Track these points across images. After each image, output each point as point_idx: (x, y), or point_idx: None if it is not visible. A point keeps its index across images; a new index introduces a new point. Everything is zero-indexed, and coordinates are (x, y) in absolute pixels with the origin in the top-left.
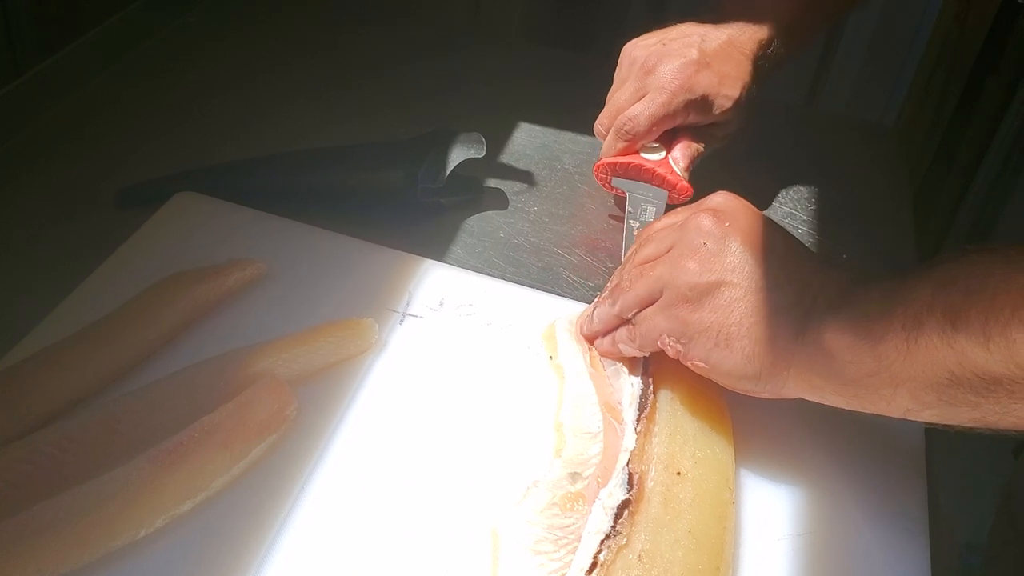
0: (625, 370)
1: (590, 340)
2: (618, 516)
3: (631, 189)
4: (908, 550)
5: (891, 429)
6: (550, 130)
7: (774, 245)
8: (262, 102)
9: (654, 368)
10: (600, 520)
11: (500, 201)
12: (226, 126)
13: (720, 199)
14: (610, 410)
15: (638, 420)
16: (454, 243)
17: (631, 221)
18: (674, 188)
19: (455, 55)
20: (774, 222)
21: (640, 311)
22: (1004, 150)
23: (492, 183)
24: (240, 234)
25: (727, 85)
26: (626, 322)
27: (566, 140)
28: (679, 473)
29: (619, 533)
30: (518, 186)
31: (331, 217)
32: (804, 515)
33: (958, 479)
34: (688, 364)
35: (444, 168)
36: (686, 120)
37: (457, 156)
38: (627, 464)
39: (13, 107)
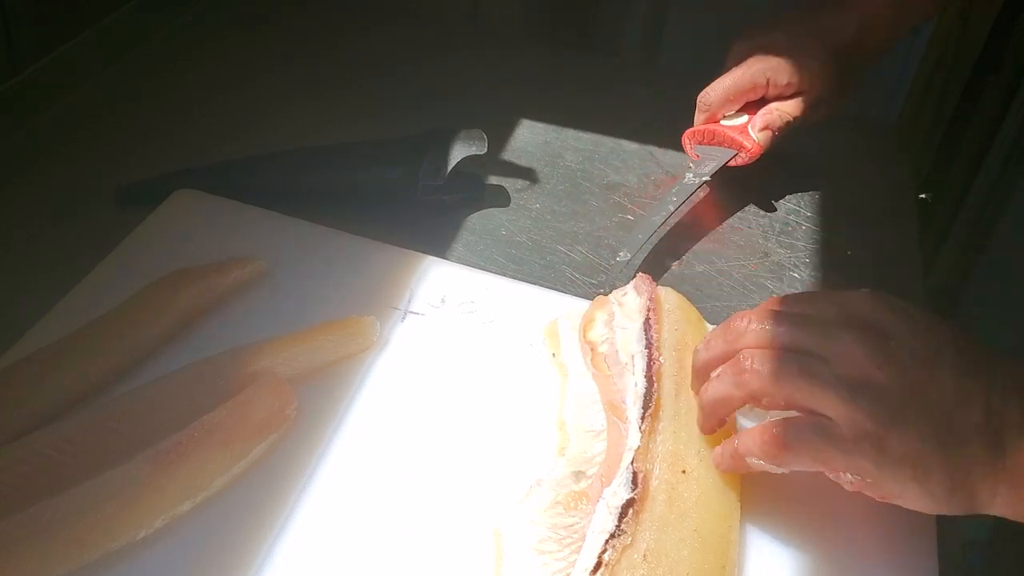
0: (628, 368)
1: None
2: (623, 515)
3: (704, 152)
4: (916, 547)
5: None
6: (552, 127)
7: (943, 349)
8: (262, 100)
9: (656, 366)
10: (604, 519)
11: (502, 198)
12: (226, 124)
13: (870, 306)
14: (613, 409)
15: (642, 418)
16: (456, 241)
17: (688, 175)
18: (741, 147)
19: (456, 52)
20: (926, 315)
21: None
22: (1006, 148)
23: (494, 180)
24: (240, 232)
25: (803, 54)
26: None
27: (568, 137)
28: (684, 471)
29: (624, 532)
30: (520, 183)
31: (332, 215)
32: (809, 511)
33: None
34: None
35: (445, 165)
36: (765, 91)
37: (458, 153)
38: (632, 463)
39: (12, 105)
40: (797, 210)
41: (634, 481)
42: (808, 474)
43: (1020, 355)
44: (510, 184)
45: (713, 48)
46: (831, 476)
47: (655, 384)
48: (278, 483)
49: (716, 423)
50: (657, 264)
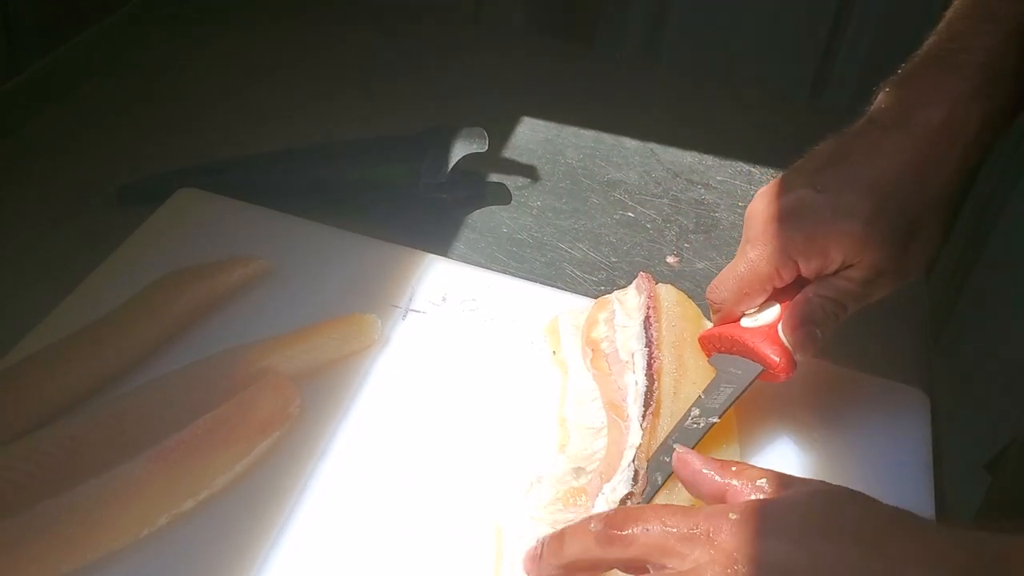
0: (629, 366)
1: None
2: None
3: (721, 365)
4: None
5: (897, 421)
6: (553, 124)
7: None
8: (263, 99)
9: (657, 364)
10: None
11: (503, 196)
12: (228, 123)
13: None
14: (613, 407)
15: (643, 416)
16: (457, 238)
17: (692, 411)
18: (766, 361)
19: (457, 49)
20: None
21: None
22: (1009, 145)
23: (495, 178)
24: (242, 230)
25: (841, 218)
26: None
27: (569, 134)
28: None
29: None
30: (521, 181)
31: (333, 213)
32: None
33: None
34: None
35: (446, 163)
36: (795, 273)
37: (459, 151)
38: (632, 460)
39: (14, 105)
40: None
41: (635, 478)
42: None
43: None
44: (511, 182)
45: (714, 46)
46: None
47: (656, 382)
48: (281, 481)
49: None
50: (657, 262)
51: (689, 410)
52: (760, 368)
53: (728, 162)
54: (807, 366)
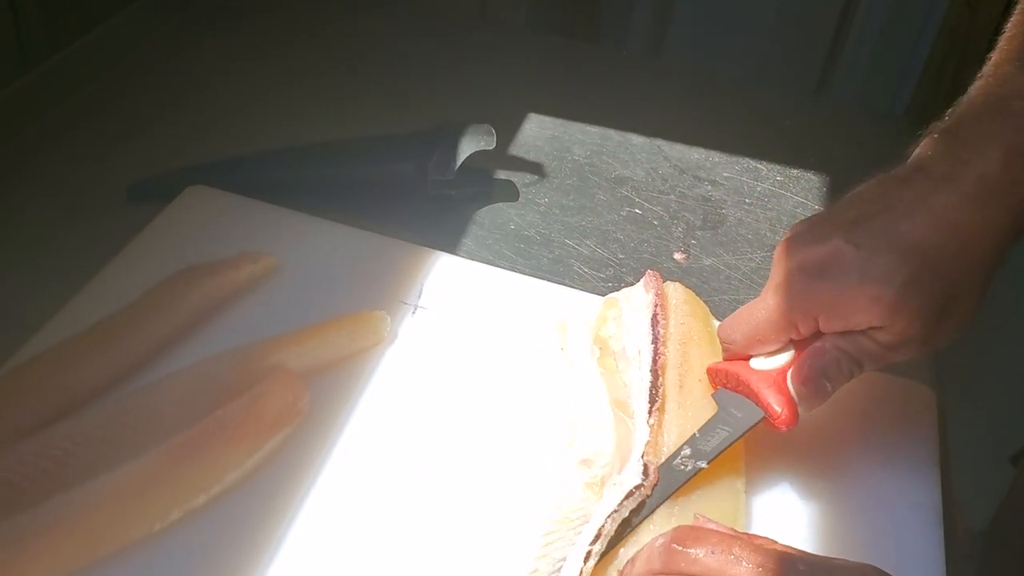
0: (634, 364)
1: None
2: (627, 497)
3: (723, 403)
4: (922, 538)
5: (904, 416)
6: (560, 121)
7: None
8: (272, 96)
9: (662, 360)
10: (610, 500)
11: (510, 193)
12: (236, 121)
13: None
14: (619, 405)
15: (650, 413)
16: (464, 235)
17: (684, 450)
18: (768, 409)
19: (464, 47)
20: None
21: None
22: None
23: (502, 175)
24: (251, 228)
25: (873, 281)
26: None
27: (576, 131)
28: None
29: (623, 508)
30: (528, 178)
31: (342, 210)
32: (816, 505)
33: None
34: None
35: (454, 160)
36: (814, 330)
37: (467, 148)
38: (642, 456)
39: (23, 103)
40: (804, 202)
41: (645, 472)
42: (814, 465)
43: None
44: (518, 179)
45: (720, 42)
46: None
47: (660, 378)
48: (291, 476)
49: None
50: (664, 258)
51: (680, 448)
52: (761, 415)
53: (735, 158)
54: None
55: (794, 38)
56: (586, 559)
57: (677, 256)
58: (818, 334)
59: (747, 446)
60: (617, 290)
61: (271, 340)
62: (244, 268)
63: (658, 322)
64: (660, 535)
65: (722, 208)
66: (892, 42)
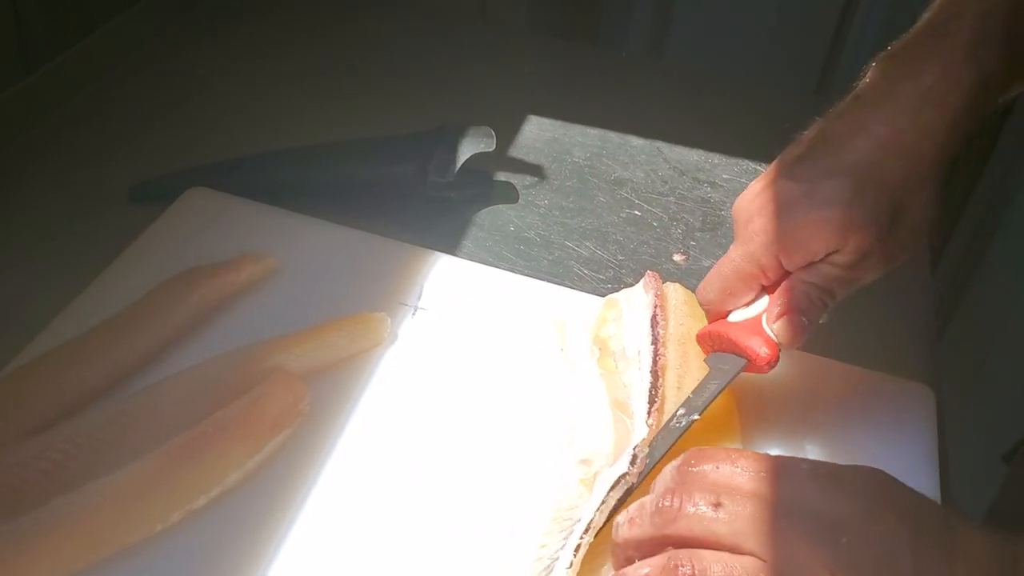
0: (634, 364)
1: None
2: (614, 486)
3: (714, 363)
4: None
5: (902, 417)
6: (559, 123)
7: (899, 533)
8: (272, 98)
9: (662, 361)
10: (599, 492)
11: (510, 195)
12: (237, 123)
13: (815, 489)
14: (619, 405)
15: (649, 413)
16: (464, 237)
17: (679, 410)
18: (750, 355)
19: (464, 49)
20: (874, 481)
21: None
22: (1014, 137)
23: (502, 177)
24: (252, 229)
25: (819, 206)
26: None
27: (575, 133)
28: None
29: (609, 499)
30: (528, 180)
31: (342, 212)
32: None
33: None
34: None
35: (454, 162)
36: (780, 270)
37: (467, 150)
38: (634, 447)
39: (25, 105)
40: None
41: (632, 461)
42: None
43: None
44: (518, 180)
45: (720, 43)
46: None
47: (660, 379)
48: (292, 477)
49: None
50: (664, 259)
51: (676, 411)
52: (743, 362)
53: (734, 160)
54: (811, 366)
55: (794, 39)
56: (576, 551)
57: (677, 257)
58: (784, 275)
59: (745, 445)
60: (617, 291)
61: (271, 341)
62: (244, 269)
63: (658, 323)
64: (672, 461)
65: (721, 210)
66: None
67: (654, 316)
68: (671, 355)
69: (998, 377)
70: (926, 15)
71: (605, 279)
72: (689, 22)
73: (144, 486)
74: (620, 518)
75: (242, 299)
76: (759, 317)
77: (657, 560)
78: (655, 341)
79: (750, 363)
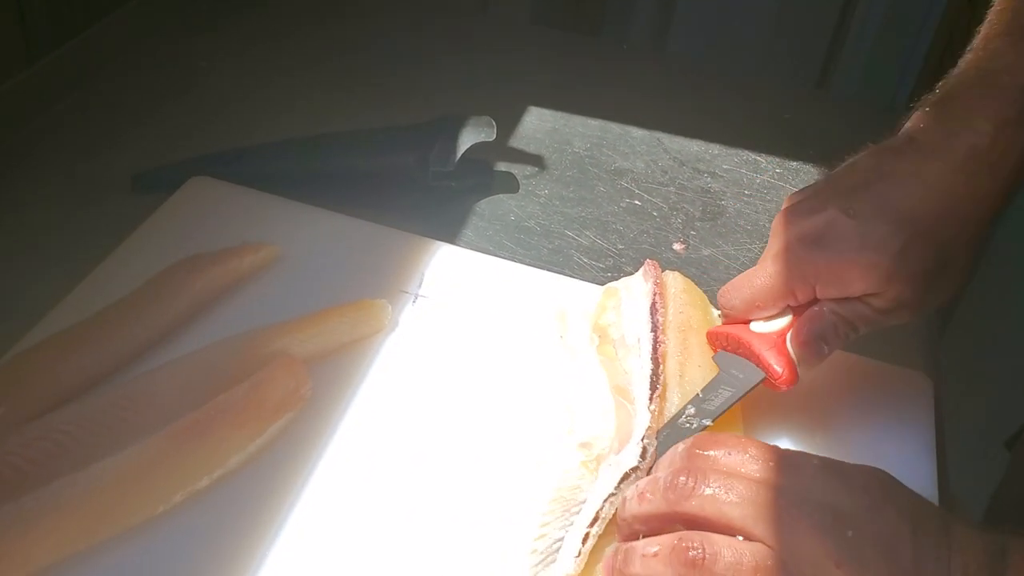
0: (634, 352)
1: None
2: (623, 479)
3: (724, 365)
4: None
5: (900, 404)
6: (560, 114)
7: (900, 529)
8: (273, 89)
9: (662, 348)
10: (607, 482)
11: (510, 185)
12: (239, 113)
13: (823, 483)
14: (619, 391)
15: (651, 399)
16: (465, 226)
17: (688, 409)
18: (768, 370)
19: (465, 40)
20: (877, 480)
21: None
22: None
23: (502, 167)
24: (254, 218)
25: (868, 250)
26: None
27: (576, 124)
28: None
29: (620, 492)
30: (528, 170)
31: (343, 201)
32: None
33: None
34: None
35: (455, 152)
36: (811, 296)
37: (467, 140)
38: (642, 439)
39: (29, 94)
40: None
41: (642, 454)
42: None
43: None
44: (519, 170)
45: (721, 36)
46: None
47: (660, 365)
48: (293, 460)
49: None
50: (664, 249)
51: (684, 407)
52: (762, 376)
53: (734, 151)
54: None
55: (795, 33)
56: (584, 540)
57: (676, 247)
58: (814, 299)
59: (746, 429)
60: (616, 280)
61: (274, 327)
62: (247, 257)
63: (657, 310)
64: (682, 442)
65: (721, 200)
66: (893, 36)
67: (653, 304)
68: (671, 343)
69: (1001, 364)
70: (971, 55)
71: (605, 268)
72: (690, 15)
73: (147, 467)
74: (628, 492)
75: (244, 286)
76: (782, 334)
77: (667, 539)
78: (655, 328)
79: (767, 378)
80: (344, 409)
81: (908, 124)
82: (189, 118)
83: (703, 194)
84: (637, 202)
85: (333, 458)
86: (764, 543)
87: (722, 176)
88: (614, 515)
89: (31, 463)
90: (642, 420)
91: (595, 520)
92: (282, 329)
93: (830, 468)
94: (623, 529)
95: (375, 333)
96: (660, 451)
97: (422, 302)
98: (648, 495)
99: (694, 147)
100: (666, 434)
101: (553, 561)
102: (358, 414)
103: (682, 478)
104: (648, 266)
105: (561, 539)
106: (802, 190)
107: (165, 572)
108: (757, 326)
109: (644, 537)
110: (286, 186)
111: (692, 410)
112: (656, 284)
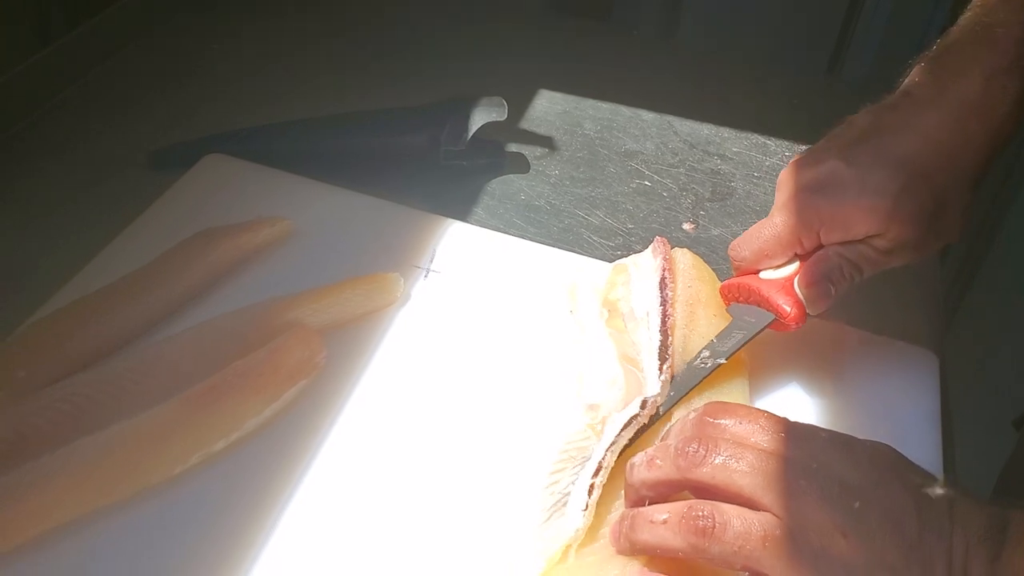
0: (643, 324)
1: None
2: (625, 426)
3: (737, 314)
4: None
5: (906, 379)
6: (571, 96)
7: (906, 503)
8: (288, 69)
9: (671, 321)
10: (611, 434)
11: (521, 165)
12: (254, 92)
13: (832, 453)
14: (628, 361)
15: (660, 370)
16: (476, 205)
17: (703, 352)
18: (779, 312)
19: (477, 23)
20: (884, 455)
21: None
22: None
23: (514, 148)
24: (268, 194)
25: (868, 194)
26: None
27: (587, 106)
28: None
29: (622, 438)
30: (539, 151)
31: (356, 179)
32: None
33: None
34: None
35: (466, 131)
36: (816, 243)
37: (479, 119)
38: (644, 396)
39: (47, 75)
40: None
41: (643, 404)
42: None
43: None
44: (529, 151)
45: (732, 23)
46: None
47: (669, 337)
48: (307, 425)
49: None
50: (673, 228)
51: (700, 351)
52: (772, 317)
53: (744, 134)
54: (819, 327)
55: (805, 18)
56: (590, 491)
57: (686, 226)
58: (819, 246)
59: (752, 399)
60: (626, 257)
61: (290, 297)
62: (262, 231)
63: (666, 285)
64: (692, 410)
65: (731, 181)
66: (903, 22)
67: (663, 279)
68: (678, 316)
69: (1009, 344)
70: (968, 14)
71: (614, 246)
72: (702, 2)
73: (165, 429)
74: (637, 459)
75: (259, 260)
76: (791, 279)
77: (677, 507)
78: (664, 302)
79: (777, 320)
80: (357, 377)
81: (905, 80)
82: (204, 97)
83: (713, 176)
84: (647, 183)
85: (346, 424)
86: (772, 512)
87: (732, 158)
88: (620, 471)
89: (51, 424)
90: (652, 388)
91: (598, 470)
92: (298, 300)
93: (838, 441)
94: (630, 495)
95: (388, 306)
96: (676, 391)
97: (434, 277)
98: (658, 461)
99: (704, 130)
100: (682, 374)
101: (562, 515)
102: (371, 382)
103: (693, 445)
104: (658, 242)
105: (568, 493)
106: (805, 150)
107: (181, 530)
108: (767, 274)
109: (651, 504)
110: (300, 165)
111: (707, 353)
112: (665, 260)
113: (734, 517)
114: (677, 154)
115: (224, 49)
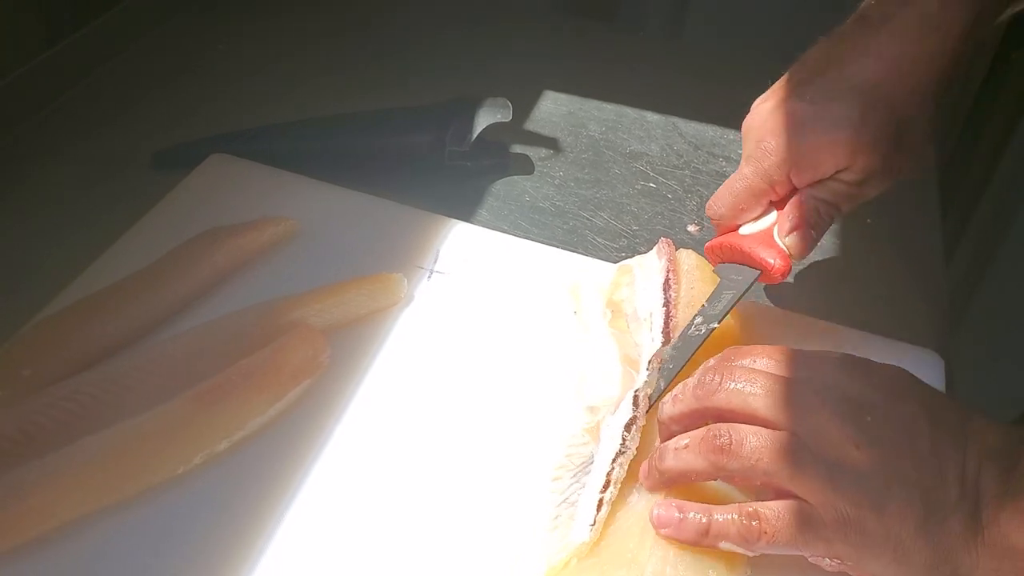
0: (646, 325)
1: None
2: (626, 431)
3: (724, 274)
4: None
5: None
6: (575, 98)
7: (918, 419)
8: (292, 69)
9: (673, 323)
10: (611, 441)
11: (526, 166)
12: (258, 93)
13: (844, 374)
14: (629, 362)
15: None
16: (480, 206)
17: (696, 319)
18: (764, 265)
19: (482, 23)
20: (898, 376)
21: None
22: None
23: (518, 149)
24: (272, 194)
25: (830, 129)
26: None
27: (591, 108)
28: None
29: (628, 449)
30: (544, 152)
31: (361, 179)
32: None
33: None
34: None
35: (471, 132)
36: (789, 187)
37: (484, 120)
38: (635, 390)
39: (51, 75)
40: None
41: (635, 402)
42: None
43: None
44: (534, 152)
45: (738, 25)
46: (810, 559)
47: (670, 340)
48: (310, 425)
49: (671, 487)
50: (678, 230)
51: (693, 318)
52: (757, 272)
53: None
54: (820, 328)
55: (810, 19)
56: (599, 507)
57: (691, 228)
58: (793, 191)
59: None
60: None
61: (294, 297)
62: (266, 230)
63: (670, 286)
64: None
65: None
66: None
67: (667, 280)
68: (682, 317)
69: (1011, 345)
70: None
71: (619, 248)
72: (707, 5)
73: (168, 429)
74: (665, 398)
75: (263, 260)
76: (770, 230)
77: (697, 432)
78: (667, 304)
79: (764, 273)
80: (361, 377)
81: (860, 6)
82: (206, 97)
83: (718, 177)
84: (652, 185)
85: (350, 423)
86: (787, 430)
87: (737, 160)
88: (627, 479)
89: (56, 423)
90: (640, 379)
91: (607, 485)
92: (302, 299)
93: (852, 361)
94: (662, 432)
95: (391, 306)
96: (675, 362)
97: (437, 277)
98: (680, 396)
99: (710, 132)
100: (679, 345)
101: (568, 525)
102: (374, 382)
103: (709, 375)
104: (662, 244)
105: (570, 500)
106: (762, 96)
107: (185, 529)
108: (746, 228)
109: None
110: (304, 165)
111: (699, 319)
112: (670, 261)
113: (750, 435)
114: (682, 156)
115: (226, 49)
